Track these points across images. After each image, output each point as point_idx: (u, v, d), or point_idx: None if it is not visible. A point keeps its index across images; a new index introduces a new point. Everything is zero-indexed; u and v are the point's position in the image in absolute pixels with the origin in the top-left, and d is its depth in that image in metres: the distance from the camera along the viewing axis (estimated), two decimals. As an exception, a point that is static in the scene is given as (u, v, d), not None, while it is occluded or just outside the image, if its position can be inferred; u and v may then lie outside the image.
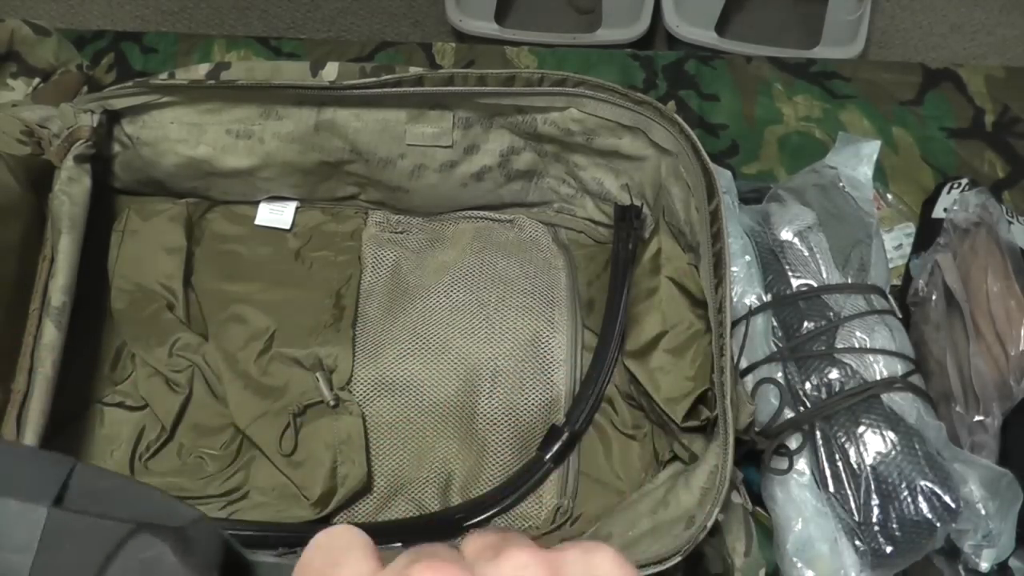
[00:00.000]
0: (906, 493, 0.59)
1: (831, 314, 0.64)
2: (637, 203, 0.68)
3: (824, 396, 0.61)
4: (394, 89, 0.61)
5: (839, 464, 0.60)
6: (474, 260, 0.69)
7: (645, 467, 0.64)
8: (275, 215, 0.71)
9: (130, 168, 0.68)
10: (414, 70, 0.61)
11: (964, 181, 0.74)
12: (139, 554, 0.18)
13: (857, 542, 0.59)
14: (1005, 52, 1.55)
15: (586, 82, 0.62)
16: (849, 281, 0.65)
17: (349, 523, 0.62)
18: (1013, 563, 0.61)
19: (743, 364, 0.64)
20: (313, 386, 0.64)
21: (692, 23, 1.40)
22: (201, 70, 0.61)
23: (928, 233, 0.73)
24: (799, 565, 0.60)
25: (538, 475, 0.63)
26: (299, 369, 0.65)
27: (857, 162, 0.72)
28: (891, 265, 0.72)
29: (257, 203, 0.71)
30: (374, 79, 0.60)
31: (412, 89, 0.61)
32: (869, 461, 0.60)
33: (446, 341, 0.66)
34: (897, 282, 0.73)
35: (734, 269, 0.66)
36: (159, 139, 0.65)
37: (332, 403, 0.64)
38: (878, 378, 0.62)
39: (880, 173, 0.77)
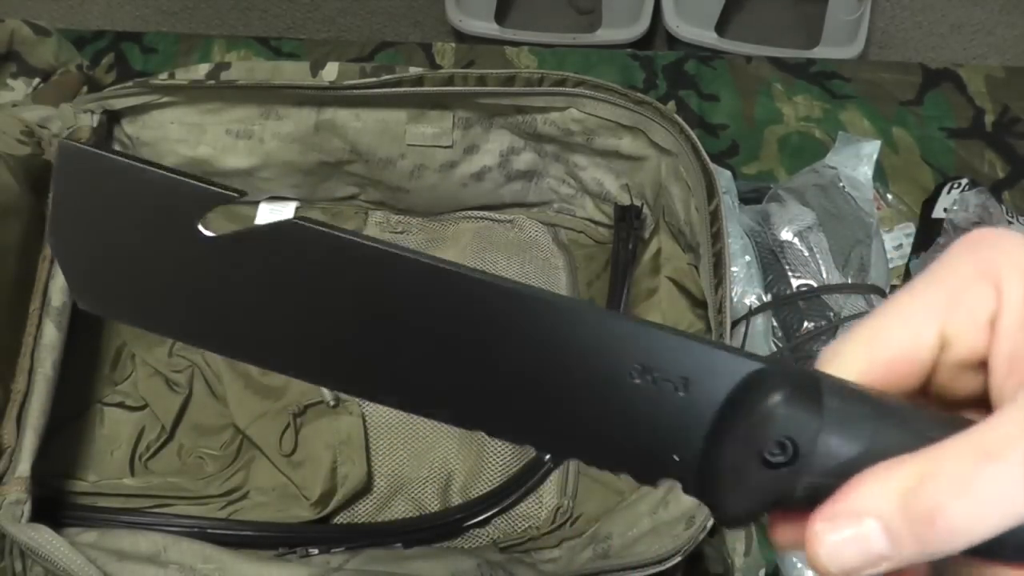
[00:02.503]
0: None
1: (831, 314, 0.64)
2: (637, 203, 0.68)
3: (824, 396, 0.61)
4: (394, 89, 0.61)
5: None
6: (474, 260, 0.69)
7: (645, 467, 0.64)
8: (275, 215, 0.71)
9: (130, 168, 0.68)
10: (414, 70, 0.61)
11: (964, 181, 0.74)
12: None
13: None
14: (1005, 52, 1.55)
15: (586, 82, 0.62)
16: (849, 281, 0.65)
17: (349, 523, 0.62)
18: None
19: (743, 364, 0.64)
20: (313, 386, 0.64)
21: (692, 23, 1.40)
22: (201, 70, 0.61)
23: (928, 233, 0.73)
24: (799, 565, 0.60)
25: (538, 475, 0.63)
26: (299, 369, 0.65)
27: (857, 162, 0.72)
28: (891, 265, 0.72)
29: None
30: (374, 79, 0.60)
31: (412, 89, 0.61)
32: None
33: (446, 341, 0.66)
34: (897, 282, 0.73)
35: (734, 269, 0.66)
36: (159, 139, 0.65)
37: (332, 403, 0.64)
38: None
39: (880, 173, 0.77)
